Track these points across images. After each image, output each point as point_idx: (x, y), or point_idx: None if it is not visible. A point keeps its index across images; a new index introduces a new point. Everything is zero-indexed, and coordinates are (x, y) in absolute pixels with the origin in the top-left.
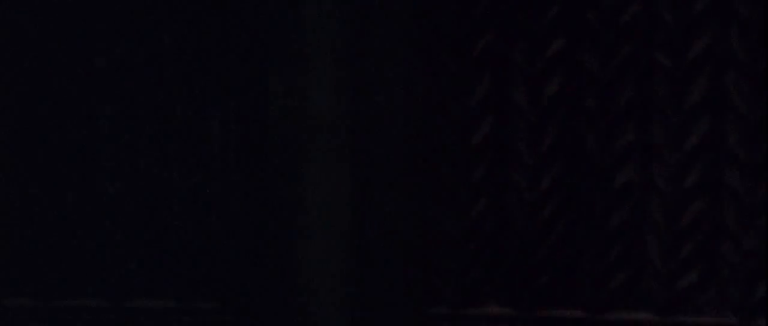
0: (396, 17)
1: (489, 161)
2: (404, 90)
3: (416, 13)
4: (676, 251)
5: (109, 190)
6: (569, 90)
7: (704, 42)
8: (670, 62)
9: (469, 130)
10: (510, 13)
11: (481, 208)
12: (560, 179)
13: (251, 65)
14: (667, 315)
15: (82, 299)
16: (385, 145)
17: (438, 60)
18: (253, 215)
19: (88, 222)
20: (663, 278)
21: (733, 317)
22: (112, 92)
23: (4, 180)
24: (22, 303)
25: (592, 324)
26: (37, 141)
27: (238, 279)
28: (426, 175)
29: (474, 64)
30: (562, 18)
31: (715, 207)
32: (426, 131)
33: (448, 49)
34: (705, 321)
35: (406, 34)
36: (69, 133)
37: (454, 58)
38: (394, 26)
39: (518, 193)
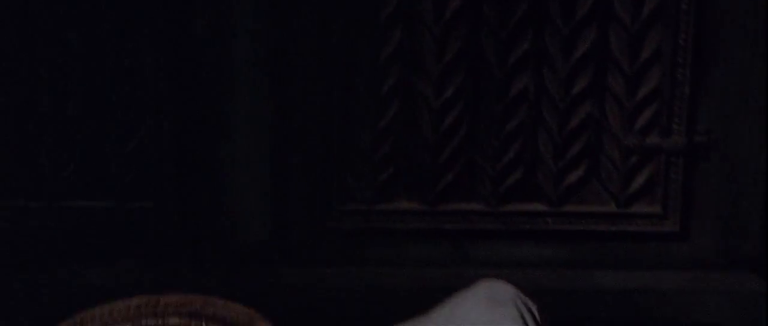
0: None
1: (397, 73)
2: (318, 24)
3: None
4: (565, 150)
5: (53, 102)
6: (471, 4)
7: None
8: None
9: (378, 45)
10: None
11: (391, 116)
12: (462, 88)
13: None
14: (557, 206)
15: (22, 200)
16: (301, 69)
17: None
18: (184, 130)
19: (31, 128)
20: (553, 174)
21: (613, 205)
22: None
23: None
24: None
25: (490, 215)
26: None
27: (171, 182)
28: (339, 90)
29: None
30: None
31: (599, 110)
32: (338, 51)
33: None
34: (589, 209)
35: None
36: (5, 46)
37: None
38: None
39: (424, 101)
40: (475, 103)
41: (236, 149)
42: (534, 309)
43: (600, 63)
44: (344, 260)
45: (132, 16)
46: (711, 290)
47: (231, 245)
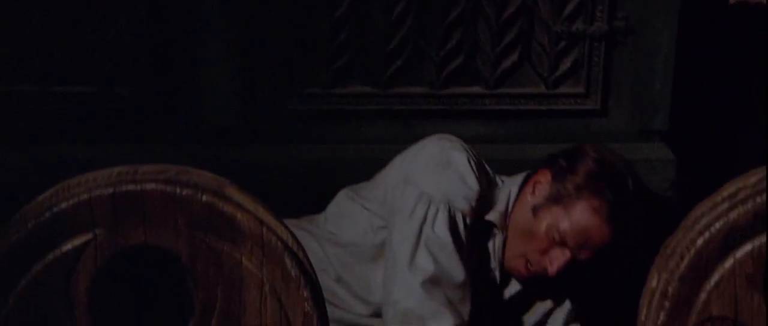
0: None
1: None
2: None
3: None
4: (501, 37)
5: None
6: None
7: None
8: None
9: None
10: None
11: (346, 7)
12: None
13: None
14: (494, 88)
15: (9, 85)
16: None
17: None
18: (161, 20)
19: (19, 19)
20: (491, 59)
21: (542, 86)
22: None
23: None
24: None
25: (434, 97)
26: None
27: (149, 69)
28: None
29: None
30: None
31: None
32: None
33: None
34: (522, 91)
35: None
36: None
37: None
38: None
39: None
40: None
41: (209, 39)
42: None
43: None
44: (305, 139)
45: None
46: (627, 159)
47: (204, 126)
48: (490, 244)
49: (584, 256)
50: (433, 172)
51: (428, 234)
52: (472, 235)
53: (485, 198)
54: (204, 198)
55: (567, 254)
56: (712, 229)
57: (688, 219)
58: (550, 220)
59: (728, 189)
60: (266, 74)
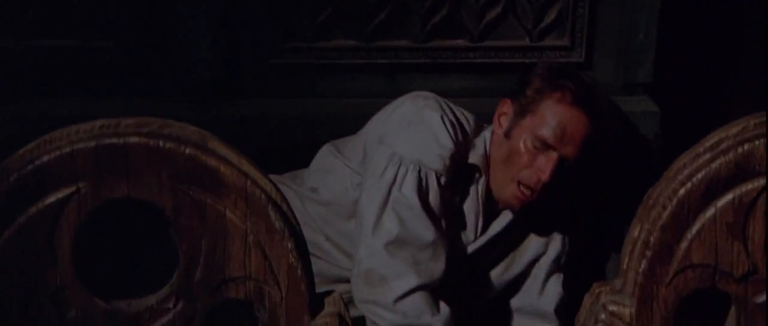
0: None
1: None
2: None
3: None
4: None
5: None
6: None
7: None
8: None
9: None
10: None
11: None
12: None
13: None
14: (478, 41)
15: None
16: None
17: None
18: None
19: None
20: (475, 11)
21: (527, 39)
22: None
23: None
24: None
25: (419, 50)
26: None
27: (131, 23)
28: None
29: None
30: None
31: None
32: None
33: None
34: (506, 44)
35: None
36: None
37: None
38: None
39: None
40: None
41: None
42: (457, 110)
43: None
44: (289, 93)
45: None
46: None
47: (187, 81)
48: (473, 189)
49: (571, 152)
50: (406, 132)
51: (396, 195)
52: (453, 187)
53: (464, 150)
54: (187, 151)
55: (553, 155)
56: (694, 180)
57: (670, 170)
58: (524, 133)
59: (710, 140)
60: (249, 28)
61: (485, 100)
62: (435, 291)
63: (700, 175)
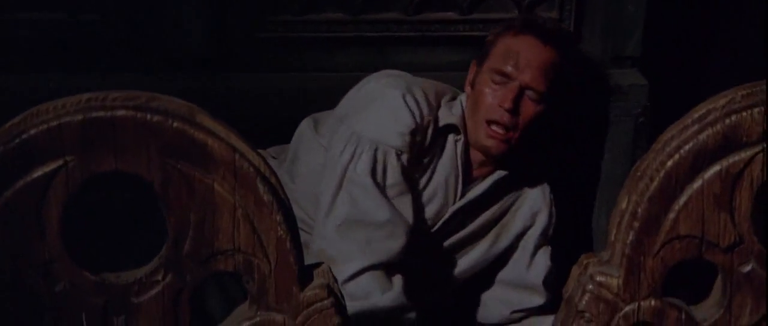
0: None
1: None
2: None
3: None
4: None
5: None
6: None
7: None
8: None
9: None
10: None
11: None
12: None
13: None
14: (467, 14)
15: None
16: None
17: None
18: None
19: None
20: None
21: (516, 12)
22: None
23: None
24: None
25: (407, 23)
26: None
27: None
28: None
29: None
30: None
31: None
32: None
33: None
34: (495, 16)
35: None
36: None
37: None
38: None
39: None
40: None
41: None
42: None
43: None
44: (277, 67)
45: None
46: (600, 85)
47: (175, 54)
48: (450, 152)
49: (530, 79)
50: (365, 110)
51: (351, 175)
52: (427, 156)
53: (434, 122)
54: (175, 124)
55: (513, 84)
56: (682, 151)
57: (658, 143)
58: (485, 74)
59: (698, 111)
60: (237, 1)
61: None
62: (393, 267)
63: (687, 147)
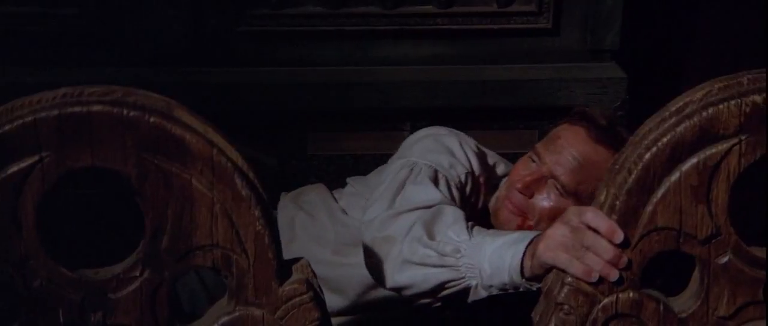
0: None
1: None
2: None
3: None
4: None
5: None
6: None
7: None
8: None
9: None
10: None
11: None
12: None
13: None
14: (445, 7)
15: None
16: None
17: None
18: None
19: None
20: None
21: (494, 5)
22: None
23: None
24: None
25: (386, 17)
26: None
27: None
28: None
29: None
30: None
31: None
32: None
33: None
34: (473, 9)
35: None
36: None
37: None
38: None
39: None
40: None
41: None
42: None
43: None
44: (255, 61)
45: None
46: (579, 78)
47: (152, 48)
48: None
49: (563, 172)
50: (419, 146)
51: (409, 178)
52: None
53: (481, 182)
54: (152, 119)
55: (540, 169)
56: (660, 144)
57: (636, 135)
58: (530, 151)
59: (676, 104)
60: (215, 3)
61: (454, 67)
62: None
63: (665, 140)
